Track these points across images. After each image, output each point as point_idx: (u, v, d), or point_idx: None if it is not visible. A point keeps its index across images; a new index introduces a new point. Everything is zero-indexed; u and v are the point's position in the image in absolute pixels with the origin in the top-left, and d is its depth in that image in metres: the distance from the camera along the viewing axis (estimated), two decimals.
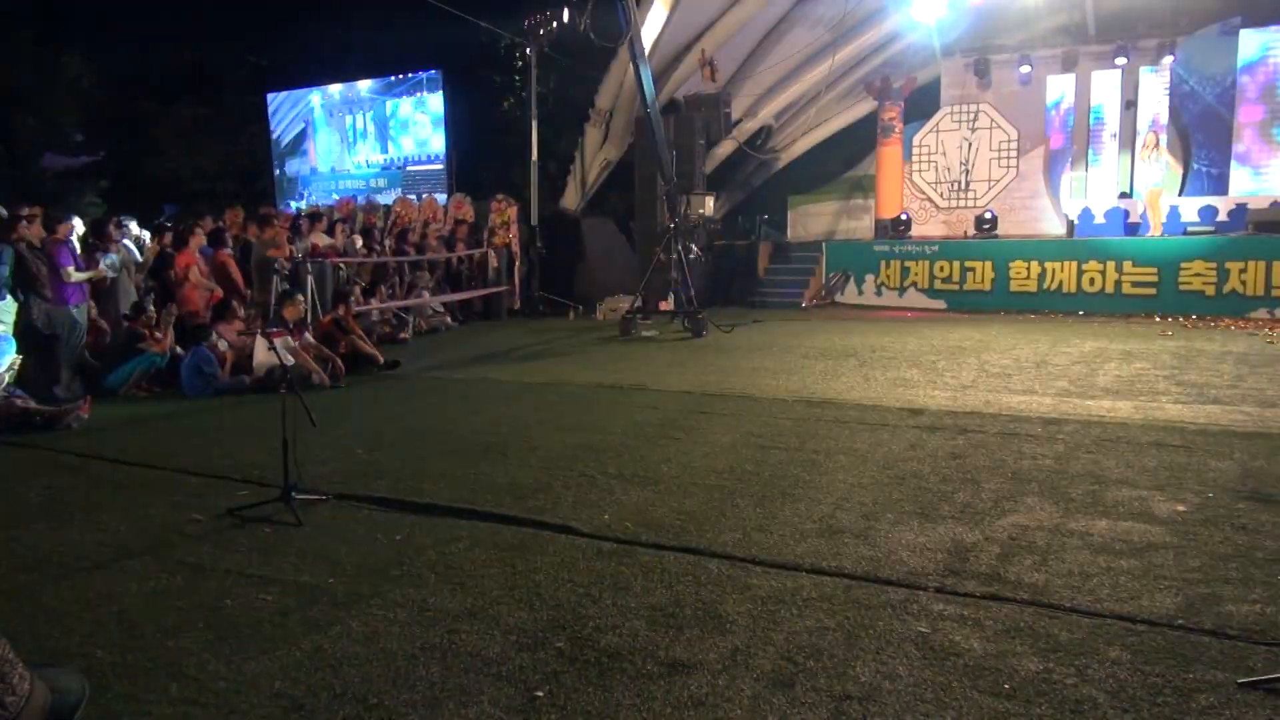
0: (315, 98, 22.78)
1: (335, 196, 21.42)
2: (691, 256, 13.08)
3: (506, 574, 3.99)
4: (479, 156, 22.79)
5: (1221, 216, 16.22)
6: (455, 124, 20.90)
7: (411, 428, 6.95)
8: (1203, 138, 17.34)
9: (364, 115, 22.09)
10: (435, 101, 20.76)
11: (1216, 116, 17.11)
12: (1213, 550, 4.05)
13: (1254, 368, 8.81)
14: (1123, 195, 17.05)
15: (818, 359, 10.00)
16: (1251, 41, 16.57)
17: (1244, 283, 13.11)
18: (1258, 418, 6.62)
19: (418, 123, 21.21)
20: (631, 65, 12.55)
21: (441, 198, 19.11)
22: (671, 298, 14.16)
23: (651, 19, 15.06)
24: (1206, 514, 4.52)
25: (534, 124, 16.91)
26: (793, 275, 16.90)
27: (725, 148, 18.84)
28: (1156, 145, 15.22)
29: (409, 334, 13.19)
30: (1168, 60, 17.08)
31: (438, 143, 20.85)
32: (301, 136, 23.22)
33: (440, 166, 20.84)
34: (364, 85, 22.01)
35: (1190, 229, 15.52)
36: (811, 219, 20.88)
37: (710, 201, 15.03)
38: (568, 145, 19.07)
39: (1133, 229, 15.46)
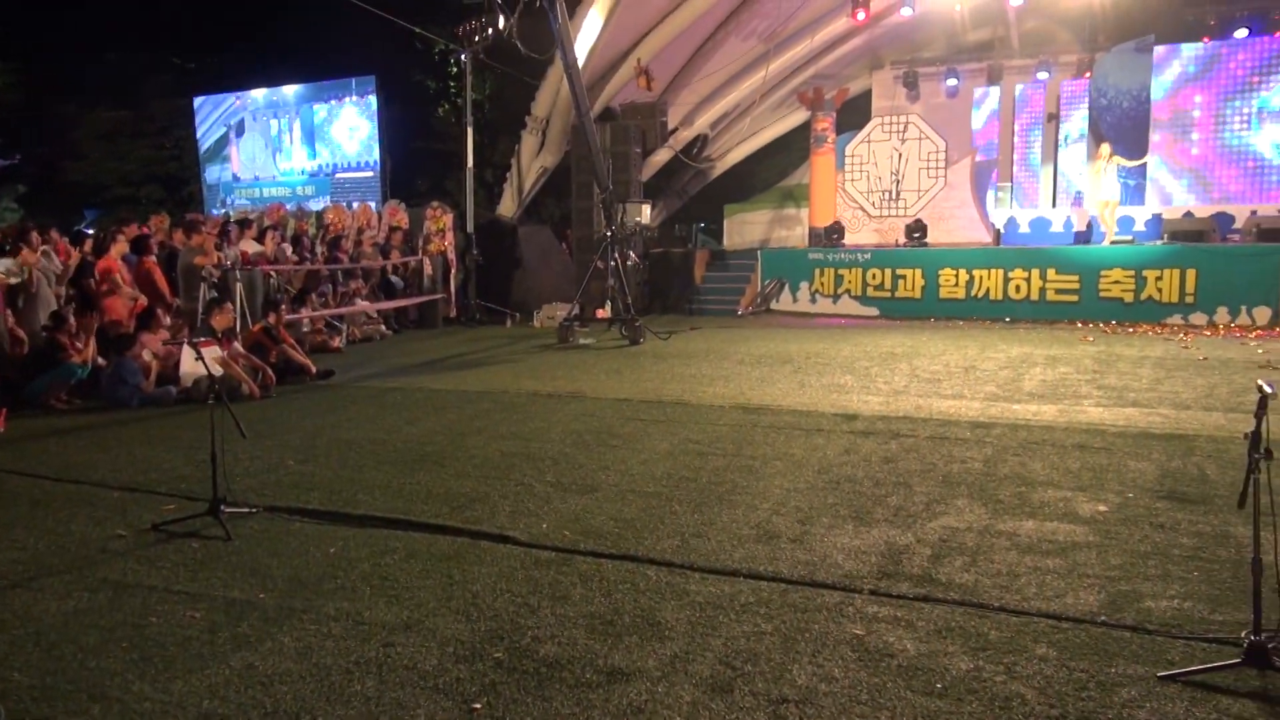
0: (238, 102, 22.23)
1: (252, 206, 20.86)
2: (629, 264, 13.10)
3: (443, 585, 3.95)
4: (414, 163, 22.58)
5: (1139, 226, 16.81)
6: (389, 130, 20.66)
7: (345, 438, 6.84)
8: (1120, 149, 17.97)
9: (291, 121, 21.65)
10: (368, 107, 20.49)
11: (1133, 129, 17.73)
12: (1133, 549, 4.18)
13: (1170, 372, 9.14)
14: (1077, 202, 17.50)
15: (754, 365, 10.09)
16: (1165, 58, 17.22)
17: (1160, 290, 13.60)
18: (1173, 420, 6.87)
19: (349, 129, 20.90)
20: (565, 75, 12.55)
21: (376, 205, 18.87)
22: (609, 305, 14.16)
23: (587, 26, 15.08)
24: (1127, 513, 4.67)
25: (469, 131, 16.80)
26: (729, 283, 17.04)
27: (662, 156, 18.94)
28: (1110, 156, 15.55)
29: (342, 343, 12.98)
30: (1087, 75, 17.66)
31: (370, 149, 20.57)
32: (224, 142, 22.61)
33: (372, 174, 20.57)
34: (290, 90, 21.58)
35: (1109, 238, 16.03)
36: (747, 227, 21.12)
37: (647, 209, 15.07)
38: (504, 152, 18.99)
39: (1083, 238, 15.89)
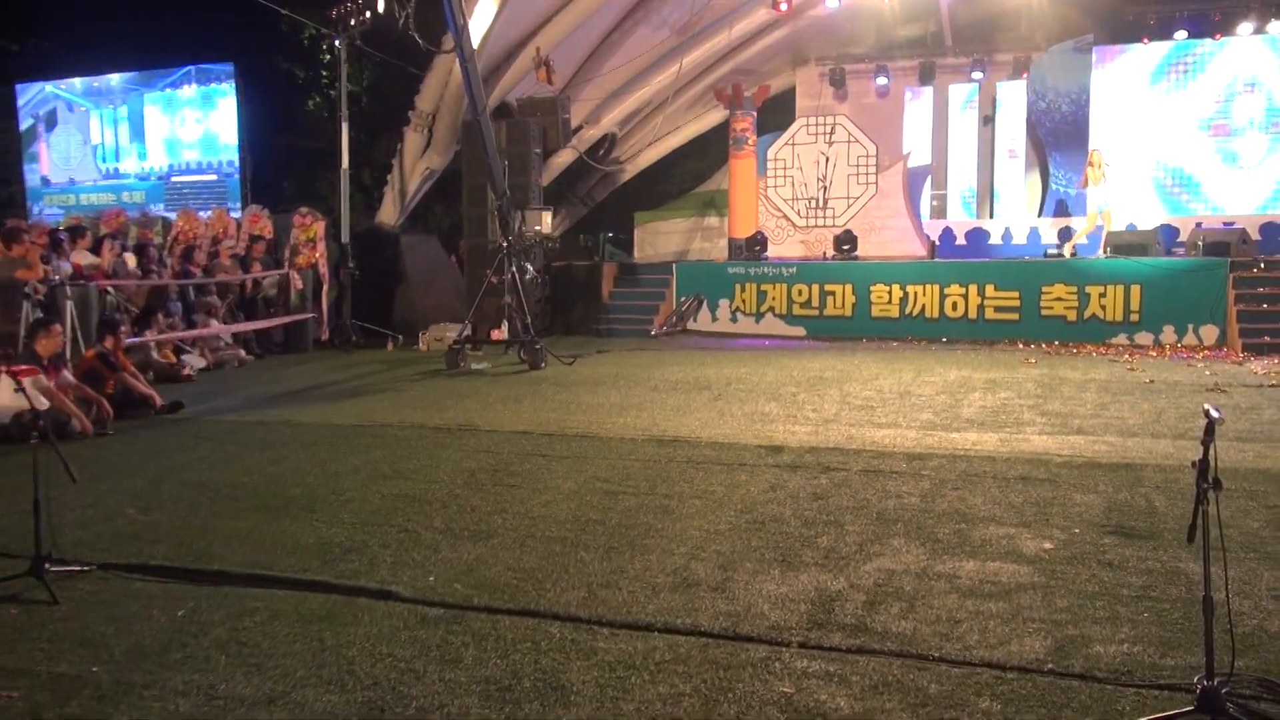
0: (49, 89, 21.16)
1: (66, 215, 19.94)
2: (527, 278, 13.07)
3: (313, 650, 3.85)
4: (279, 163, 22.11)
5: (1079, 239, 17.53)
6: (250, 125, 20.17)
7: (197, 481, 6.63)
8: (1060, 156, 18.77)
9: (117, 113, 20.71)
10: (223, 99, 19.94)
11: (1072, 134, 18.55)
12: (1080, 589, 4.33)
13: (1115, 396, 9.54)
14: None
15: (669, 392, 10.16)
16: (1104, 59, 18.09)
17: (1104, 307, 14.21)
18: (1120, 448, 7.16)
19: (191, 123, 20.20)
20: (459, 67, 12.50)
21: (235, 211, 18.42)
22: (505, 326, 14.10)
23: (480, 12, 15.06)
24: (1073, 551, 4.84)
25: (344, 126, 16.56)
26: (641, 300, 17.15)
27: (564, 157, 19.00)
28: (1101, 162, 15.94)
29: (194, 370, 12.61)
30: (1024, 75, 18.42)
31: (214, 148, 19.91)
32: (31, 137, 21.42)
33: (216, 177, 19.95)
34: (117, 78, 20.64)
35: (1050, 251, 16.70)
36: (660, 238, 21.29)
37: (548, 217, 15.10)
38: (385, 151, 18.78)
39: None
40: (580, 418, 8.74)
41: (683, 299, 16.68)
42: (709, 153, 22.02)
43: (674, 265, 17.35)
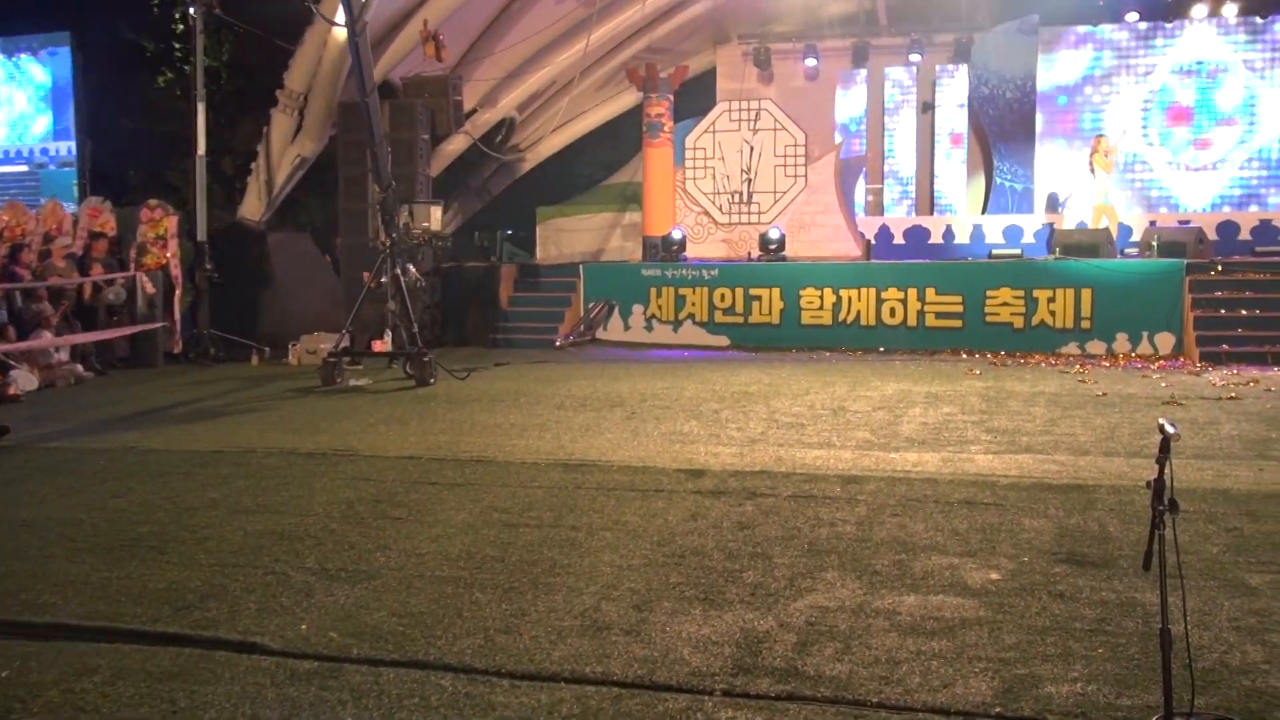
0: None
1: None
2: (409, 279, 12.93)
3: (164, 714, 3.75)
4: (123, 149, 21.53)
5: (1027, 238, 18.06)
6: (88, 105, 19.61)
7: (25, 519, 6.41)
8: (1005, 147, 19.31)
9: None
10: (45, 71, 19.16)
11: (1018, 123, 19.10)
12: (1029, 623, 4.44)
13: (1066, 410, 9.83)
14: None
15: (576, 410, 10.15)
16: (1051, 41, 18.67)
17: (1053, 314, 14.64)
18: (1071, 468, 7.38)
19: (11, 102, 19.45)
20: (347, 37, 12.32)
21: (70, 205, 17.87)
22: (389, 336, 13.94)
23: None
24: (1022, 581, 4.97)
25: (201, 108, 16.22)
26: (544, 306, 17.13)
27: (456, 144, 18.90)
28: (1108, 150, 16.31)
29: (21, 390, 12.21)
30: (965, 59, 18.90)
31: (25, 131, 19.21)
32: None
33: (25, 168, 19.28)
34: None
35: (995, 252, 17.15)
36: (566, 236, 21.30)
37: (437, 213, 14.97)
38: (248, 136, 18.43)
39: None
40: (475, 440, 8.68)
41: (591, 305, 16.70)
42: (620, 141, 22.09)
43: (581, 267, 17.37)
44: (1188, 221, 17.01)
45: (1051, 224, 17.53)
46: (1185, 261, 14.49)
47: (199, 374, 14.12)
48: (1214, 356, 13.27)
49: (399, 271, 12.74)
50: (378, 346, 14.20)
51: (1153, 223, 17.13)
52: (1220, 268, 14.56)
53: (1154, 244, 15.36)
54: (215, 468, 7.81)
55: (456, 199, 21.12)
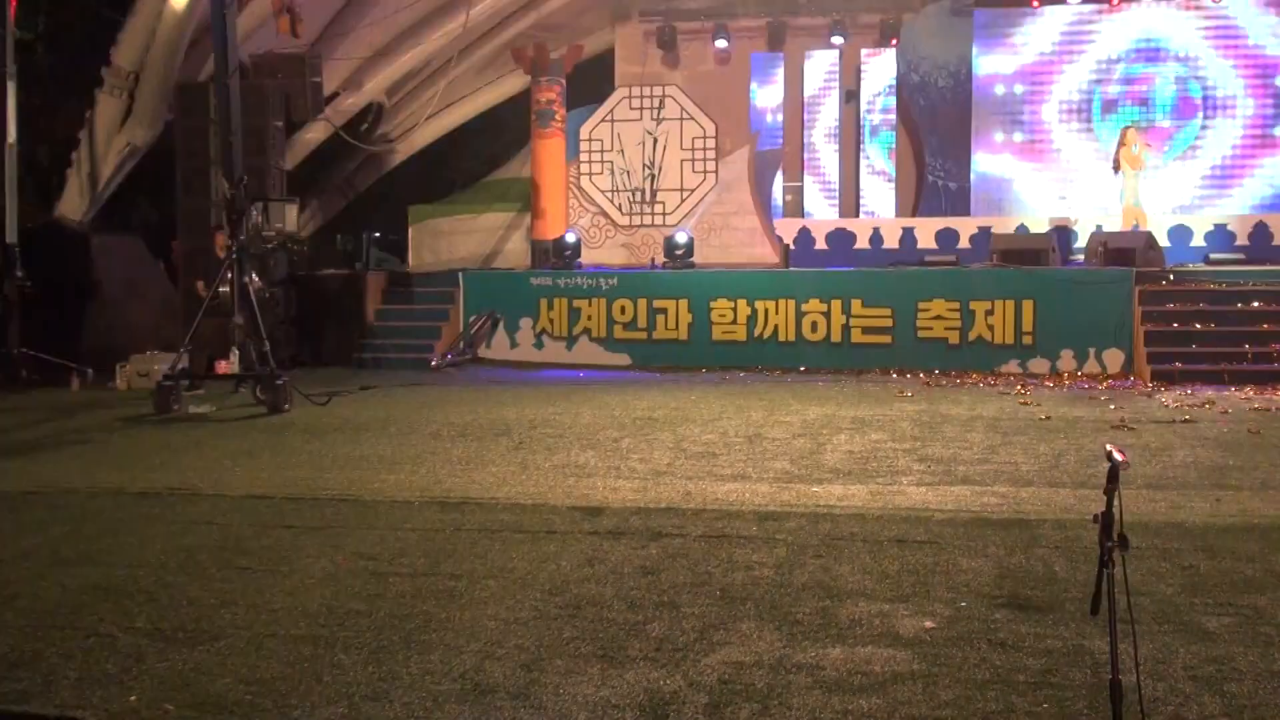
0: None
1: None
2: (264, 293, 12.74)
3: None
4: None
5: (963, 243, 18.43)
6: None
7: None
8: (937, 141, 19.73)
9: None
10: None
11: (951, 114, 19.52)
12: (968, 676, 4.52)
13: (1006, 436, 10.05)
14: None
15: (456, 440, 10.09)
16: (987, 24, 19.12)
17: (991, 328, 14.97)
18: (1013, 500, 7.54)
19: None
20: (212, 13, 12.12)
21: None
22: (235, 355, 13.67)
23: None
24: (959, 629, 5.05)
25: (10, 87, 15.80)
26: (418, 320, 16.99)
27: (315, 133, 18.69)
28: (1142, 145, 16.59)
29: None
30: (893, 42, 19.26)
31: None
32: None
33: None
34: None
35: (928, 258, 17.49)
36: (443, 239, 21.16)
37: (293, 212, 14.78)
38: (68, 122, 17.98)
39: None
40: (338, 476, 8.57)
41: (472, 319, 16.61)
42: (505, 130, 22.05)
43: (461, 275, 17.27)
44: (1137, 225, 17.48)
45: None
46: (1134, 270, 14.90)
47: (8, 400, 13.70)
48: (1166, 375, 13.66)
49: (249, 280, 12.54)
50: (222, 368, 13.90)
51: (1098, 227, 17.57)
52: (1172, 276, 15.02)
53: (1100, 250, 15.71)
54: (27, 512, 7.58)
55: (315, 196, 20.86)
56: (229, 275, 12.65)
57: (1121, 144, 16.98)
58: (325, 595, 5.62)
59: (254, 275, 12.92)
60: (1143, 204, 16.88)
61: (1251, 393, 12.67)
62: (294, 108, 16.36)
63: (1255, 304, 14.47)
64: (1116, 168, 17.09)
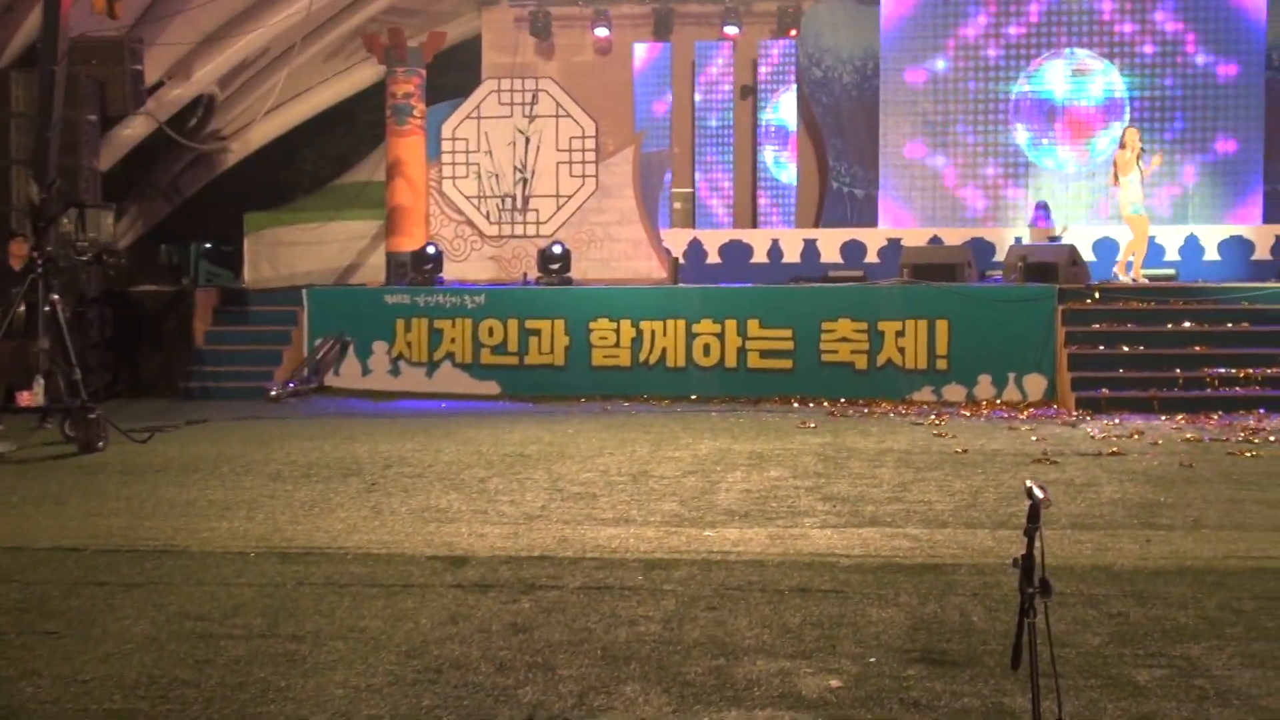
0: None
1: None
2: (58, 304, 12.43)
3: None
4: None
5: (871, 257, 18.71)
6: None
7: None
8: (841, 143, 20.03)
9: None
10: None
11: (857, 112, 19.83)
12: None
13: (919, 472, 10.22)
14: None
15: (299, 482, 9.97)
16: (895, 12, 19.48)
17: (902, 351, 15.19)
18: (926, 544, 7.66)
19: None
20: None
21: None
22: (40, 385, 13.34)
23: None
24: (868, 689, 5.10)
25: None
26: (255, 344, 16.74)
27: (135, 129, 18.39)
28: (1140, 149, 16.38)
29: None
30: (792, 33, 19.52)
31: None
32: None
33: None
34: None
35: (832, 273, 17.71)
36: (285, 251, 20.90)
37: (109, 219, 14.51)
38: None
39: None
40: (161, 524, 8.41)
41: (318, 342, 16.41)
42: (356, 127, 21.92)
43: (305, 293, 17.05)
44: (1059, 238, 17.88)
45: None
46: (1057, 287, 15.24)
47: None
48: (1092, 403, 13.99)
49: (57, 297, 12.26)
50: (24, 399, 13.58)
51: (1017, 239, 17.97)
52: (1098, 294, 15.37)
53: (1020, 265, 15.99)
54: None
55: (135, 201, 20.49)
56: (31, 292, 12.36)
57: (1121, 146, 16.74)
58: (145, 662, 5.51)
59: (55, 295, 12.61)
60: (1141, 210, 16.57)
61: (1183, 422, 13.04)
62: (110, 99, 16.07)
63: (1186, 324, 14.89)
64: (1115, 178, 16.70)
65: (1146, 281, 16.52)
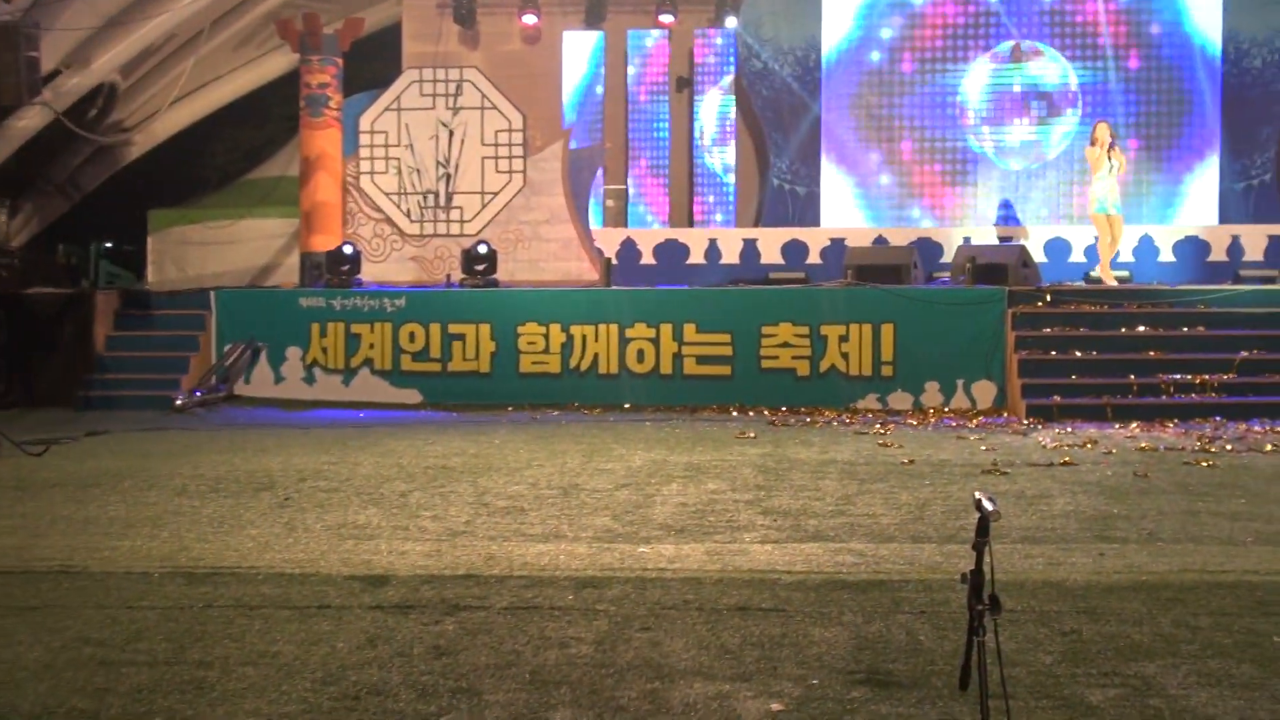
0: None
1: None
2: None
3: None
4: None
5: (813, 258, 18.79)
6: None
7: None
8: (782, 139, 20.12)
9: None
10: None
11: (799, 107, 19.92)
12: None
13: (864, 484, 10.28)
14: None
15: (206, 497, 9.89)
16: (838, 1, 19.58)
17: (846, 357, 15.28)
18: (871, 559, 7.70)
19: None
20: None
21: None
22: None
23: None
24: (810, 712, 5.12)
25: None
26: (159, 350, 16.60)
27: (29, 120, 18.20)
28: (1112, 144, 16.34)
29: None
30: (731, 21, 19.58)
31: None
32: None
33: None
34: None
35: (773, 275, 17.77)
36: (193, 251, 20.75)
37: (1, 217, 14.32)
38: None
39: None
40: (57, 543, 8.32)
41: (228, 348, 16.29)
42: (268, 119, 21.79)
43: (213, 295, 16.92)
44: (1010, 238, 18.03)
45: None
46: (1006, 289, 15.38)
47: None
48: (1043, 411, 14.11)
49: None
50: None
51: (966, 239, 18.10)
52: (1049, 297, 15.52)
53: (968, 266, 16.12)
54: None
55: (29, 198, 20.25)
56: None
57: (1094, 140, 16.60)
58: (41, 692, 5.44)
59: None
60: (1116, 207, 16.54)
61: (1138, 430, 13.23)
62: (3, 89, 15.87)
63: (1141, 328, 15.09)
64: (1097, 166, 16.54)
65: (1116, 284, 16.66)
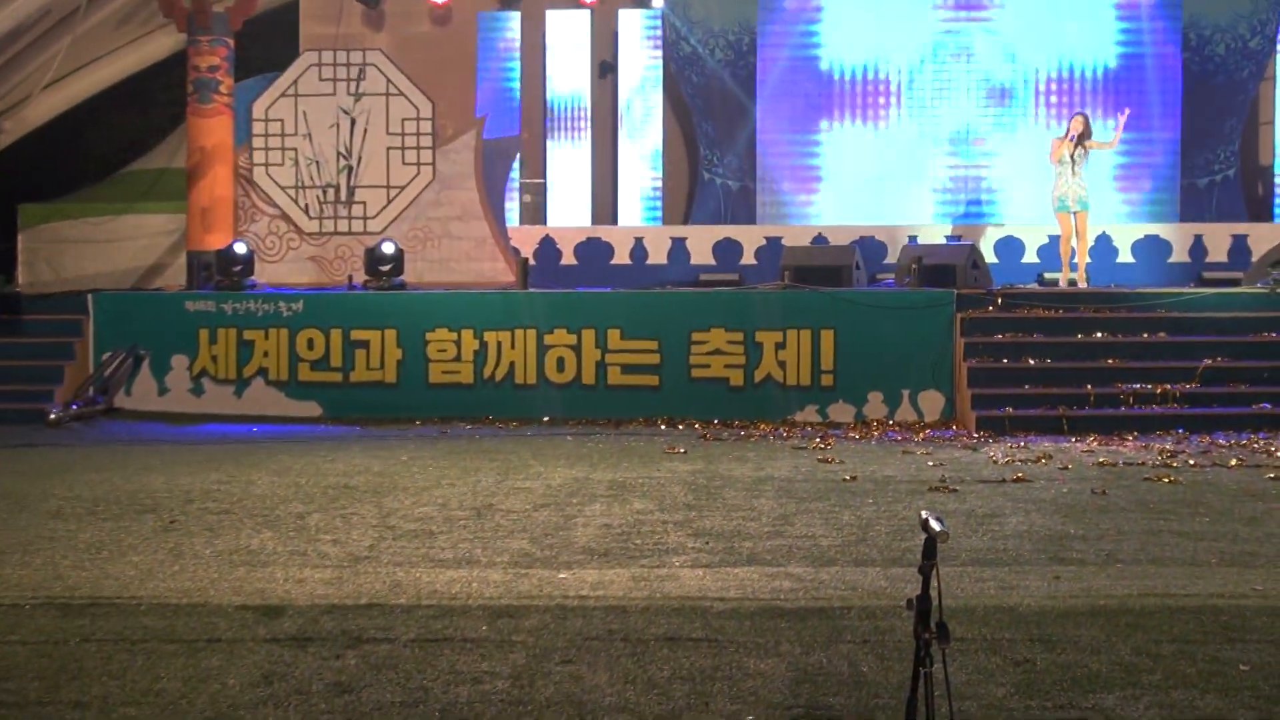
0: None
1: None
2: None
3: None
4: None
5: (747, 258, 18.85)
6: None
7: None
8: (713, 130, 20.17)
9: None
10: None
11: (730, 96, 19.97)
12: None
13: (803, 502, 10.32)
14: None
15: (83, 520, 9.80)
16: None
17: (783, 366, 15.33)
18: (811, 584, 7.72)
19: None
20: None
21: None
22: None
23: None
24: None
25: None
26: (30, 358, 16.42)
27: None
28: (1078, 137, 16.34)
29: None
30: (657, 2, 19.62)
31: None
32: None
33: None
34: None
35: (704, 276, 17.81)
36: (69, 250, 20.49)
37: None
38: None
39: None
40: None
41: (106, 357, 16.13)
42: (152, 105, 21.56)
43: (90, 298, 16.74)
44: (958, 237, 18.13)
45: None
46: (955, 292, 15.49)
47: None
48: (995, 423, 14.23)
49: None
50: None
51: (912, 238, 18.21)
52: (1000, 300, 15.62)
53: (914, 267, 16.17)
54: None
55: None
56: None
57: (1064, 138, 16.64)
58: None
59: None
60: (1082, 204, 16.59)
61: (1095, 444, 13.38)
62: None
63: (1098, 334, 15.25)
64: (1063, 160, 16.56)
65: (1084, 286, 16.82)
